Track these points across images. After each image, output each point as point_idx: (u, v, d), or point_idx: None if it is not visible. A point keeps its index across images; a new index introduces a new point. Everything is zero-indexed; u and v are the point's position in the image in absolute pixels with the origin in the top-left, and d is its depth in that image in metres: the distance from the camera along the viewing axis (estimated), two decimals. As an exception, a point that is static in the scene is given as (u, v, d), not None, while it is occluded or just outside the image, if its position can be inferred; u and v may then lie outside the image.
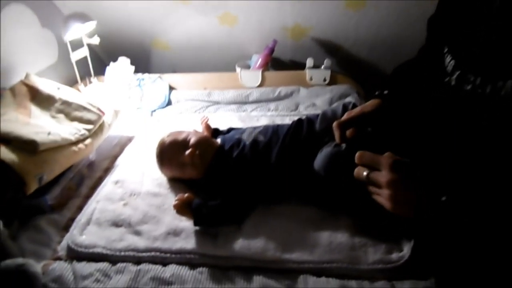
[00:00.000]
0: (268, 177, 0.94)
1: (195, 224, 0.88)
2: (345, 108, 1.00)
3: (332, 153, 0.85)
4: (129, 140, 1.35)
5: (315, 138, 0.95)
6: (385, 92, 0.87)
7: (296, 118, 1.36)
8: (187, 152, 0.98)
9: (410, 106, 0.86)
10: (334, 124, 0.83)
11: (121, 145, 1.32)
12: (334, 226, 0.87)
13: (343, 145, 0.84)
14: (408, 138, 0.87)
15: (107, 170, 1.18)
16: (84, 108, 1.18)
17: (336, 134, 0.83)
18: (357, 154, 0.72)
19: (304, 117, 1.05)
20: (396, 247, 0.82)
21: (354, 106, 1.00)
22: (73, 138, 1.08)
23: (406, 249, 0.80)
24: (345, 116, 0.84)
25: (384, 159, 0.68)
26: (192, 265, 0.82)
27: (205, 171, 0.99)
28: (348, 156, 0.79)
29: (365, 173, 0.71)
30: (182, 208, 0.91)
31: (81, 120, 1.16)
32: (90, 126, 1.16)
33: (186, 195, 0.93)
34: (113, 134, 1.34)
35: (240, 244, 0.83)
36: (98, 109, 1.21)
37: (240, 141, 1.02)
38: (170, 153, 1.02)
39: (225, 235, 0.87)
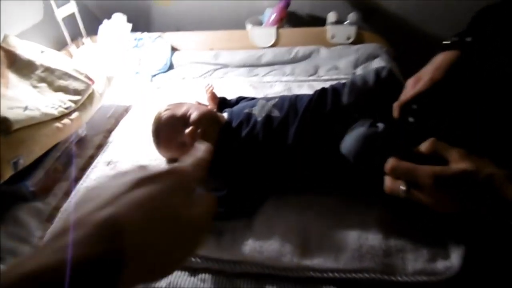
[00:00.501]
0: (283, 161, 0.78)
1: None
2: (378, 75, 0.82)
3: (366, 135, 0.68)
4: (125, 110, 1.19)
5: (342, 114, 0.78)
6: (468, 39, 0.67)
7: (315, 83, 1.21)
8: (187, 130, 0.82)
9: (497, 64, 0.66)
10: (396, 104, 0.67)
11: (116, 117, 1.16)
12: (364, 224, 0.71)
13: (380, 125, 0.67)
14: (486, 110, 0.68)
15: (100, 147, 1.04)
16: (70, 76, 1.02)
17: (395, 114, 0.68)
18: (389, 165, 0.51)
19: (328, 86, 0.87)
20: (441, 253, 0.66)
21: (390, 74, 0.82)
22: (56, 112, 0.92)
23: (455, 257, 0.65)
24: (410, 92, 0.66)
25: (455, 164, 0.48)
26: (193, 271, 0.69)
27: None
28: (388, 139, 0.63)
29: (402, 188, 0.50)
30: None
31: (66, 91, 1.00)
32: (77, 97, 1.00)
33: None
34: (107, 104, 1.18)
35: (251, 246, 0.69)
36: (86, 76, 1.05)
37: (250, 117, 0.85)
38: (168, 132, 0.86)
39: (232, 233, 0.73)
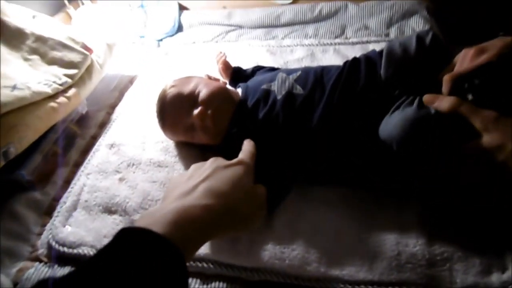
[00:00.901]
0: (307, 148, 0.67)
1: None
2: (421, 41, 0.67)
3: (416, 118, 0.56)
4: (130, 81, 1.08)
5: (379, 91, 0.65)
6: None
7: (342, 47, 1.06)
8: (196, 111, 0.71)
9: None
10: (447, 77, 0.55)
11: (120, 89, 1.06)
12: (403, 226, 0.61)
13: (432, 108, 0.55)
14: None
15: (103, 126, 0.94)
16: (64, 46, 0.90)
17: (446, 88, 0.56)
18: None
19: (360, 55, 0.73)
20: (496, 262, 0.56)
21: (436, 39, 0.67)
22: (49, 90, 0.82)
23: (514, 269, 0.55)
24: (469, 64, 0.54)
25: None
26: (206, 278, 0.61)
27: (221, 136, 0.73)
28: (442, 124, 0.54)
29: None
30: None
31: (60, 64, 0.89)
32: (73, 71, 0.89)
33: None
34: (110, 74, 1.07)
35: (270, 252, 0.60)
36: (83, 46, 0.93)
37: (269, 94, 0.72)
38: (174, 113, 0.75)
39: (249, 236, 0.63)
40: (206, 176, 0.50)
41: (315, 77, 0.71)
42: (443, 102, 0.53)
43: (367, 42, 1.05)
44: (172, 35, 1.25)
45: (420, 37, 0.67)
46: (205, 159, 0.74)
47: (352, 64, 0.71)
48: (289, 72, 0.76)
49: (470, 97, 0.55)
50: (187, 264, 0.44)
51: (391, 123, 0.59)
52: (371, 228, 0.61)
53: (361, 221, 0.62)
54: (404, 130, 0.56)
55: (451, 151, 0.53)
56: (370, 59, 0.71)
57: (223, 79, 0.91)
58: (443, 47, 0.68)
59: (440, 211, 0.61)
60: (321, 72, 0.72)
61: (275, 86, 0.73)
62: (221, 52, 0.94)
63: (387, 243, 0.59)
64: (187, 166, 0.76)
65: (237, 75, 0.90)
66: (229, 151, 0.68)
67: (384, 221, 0.62)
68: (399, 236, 0.59)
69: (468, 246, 0.57)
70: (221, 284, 0.60)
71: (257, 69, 0.91)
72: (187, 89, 0.75)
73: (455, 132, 0.53)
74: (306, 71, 0.75)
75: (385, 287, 0.56)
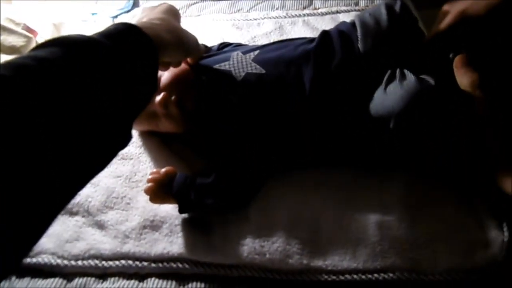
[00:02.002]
0: (281, 133, 0.63)
1: (180, 211, 0.61)
2: (390, 10, 0.63)
3: (418, 90, 0.53)
4: (85, 65, 0.98)
5: (359, 65, 0.61)
6: None
7: (311, 18, 1.00)
8: (158, 98, 0.65)
9: None
10: (430, 34, 0.56)
11: (74, 74, 0.96)
12: (384, 209, 0.59)
13: (429, 79, 0.53)
14: None
15: (57, 116, 0.85)
16: (3, 29, 0.80)
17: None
18: None
19: (331, 29, 0.69)
20: (479, 241, 0.55)
21: (404, 8, 0.64)
22: (-11, 81, 0.73)
23: (497, 245, 0.54)
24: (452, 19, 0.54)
25: None
26: (182, 279, 0.57)
27: (187, 123, 0.67)
28: (443, 96, 0.53)
29: None
30: (158, 194, 0.60)
31: (1, 49, 0.78)
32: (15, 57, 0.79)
33: (163, 170, 0.62)
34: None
35: (250, 247, 0.57)
36: (26, 27, 0.83)
37: (229, 76, 0.66)
38: (134, 101, 0.68)
39: (224, 229, 0.59)
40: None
41: (278, 56, 0.66)
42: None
43: (337, 12, 1.00)
44: (128, 11, 1.14)
45: (389, 7, 0.63)
46: (172, 149, 0.69)
47: (323, 38, 0.66)
48: (245, 51, 0.69)
49: (452, 55, 0.53)
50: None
51: (390, 99, 0.55)
52: (352, 213, 0.59)
53: (342, 207, 0.60)
54: (407, 103, 0.53)
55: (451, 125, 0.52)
56: (343, 33, 0.66)
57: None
58: (413, 17, 0.65)
59: (422, 191, 0.59)
60: (285, 49, 0.67)
61: (232, 66, 0.66)
62: (182, 29, 0.86)
63: (369, 228, 0.57)
64: (153, 158, 0.71)
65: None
66: (197, 139, 0.63)
67: (365, 205, 0.59)
68: (381, 220, 0.57)
69: (451, 226, 0.56)
70: (198, 284, 0.56)
71: (224, 46, 0.83)
72: (146, 73, 0.68)
73: (456, 104, 0.51)
74: (265, 49, 0.69)
75: (370, 274, 0.54)
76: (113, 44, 0.40)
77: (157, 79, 0.47)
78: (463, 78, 0.51)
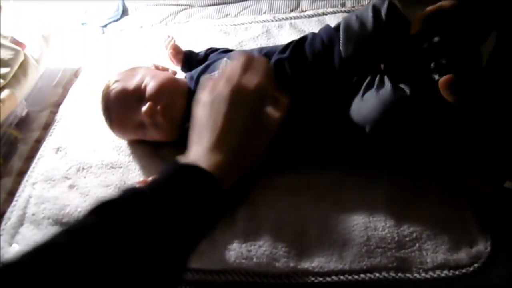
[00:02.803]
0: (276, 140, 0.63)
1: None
2: (376, 12, 0.63)
3: (393, 101, 0.53)
4: (75, 75, 0.99)
5: (340, 71, 0.61)
6: None
7: (298, 21, 1.00)
8: (144, 108, 0.65)
9: None
10: (418, 16, 0.51)
11: (64, 84, 0.96)
12: (369, 209, 0.59)
13: (406, 88, 0.53)
14: None
15: (48, 127, 0.86)
16: (-9, 43, 0.81)
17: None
18: None
19: (309, 33, 0.69)
20: (464, 238, 0.55)
21: (392, 9, 0.64)
22: (-23, 95, 0.73)
23: (483, 242, 0.54)
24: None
25: None
26: (170, 285, 0.58)
27: (175, 131, 0.68)
28: (418, 104, 0.53)
29: None
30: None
31: (-12, 63, 0.79)
32: (4, 70, 0.80)
33: (150, 179, 0.63)
34: (51, 67, 0.98)
35: (237, 252, 0.57)
36: (13, 40, 0.83)
37: None
38: (120, 111, 0.69)
39: (211, 235, 0.59)
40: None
41: None
42: None
43: (323, 14, 1.00)
44: (117, 20, 1.15)
45: (375, 9, 0.63)
46: (160, 157, 0.69)
47: (297, 46, 0.66)
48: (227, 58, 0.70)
49: (436, 39, 0.52)
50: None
51: (365, 107, 0.56)
52: (338, 214, 0.59)
53: (327, 208, 0.60)
54: (381, 113, 0.54)
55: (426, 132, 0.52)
56: (326, 36, 0.66)
57: (175, 66, 0.84)
58: (402, 17, 0.65)
59: (407, 190, 0.60)
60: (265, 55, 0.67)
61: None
62: (169, 36, 0.87)
63: (355, 229, 0.57)
64: (142, 166, 0.71)
65: (189, 60, 0.84)
66: (186, 147, 0.63)
67: (350, 206, 0.60)
68: (367, 220, 0.58)
69: (436, 223, 0.56)
70: (187, 290, 0.57)
71: (211, 51, 0.84)
72: (132, 83, 0.69)
73: (431, 112, 0.51)
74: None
75: (357, 275, 0.54)
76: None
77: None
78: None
